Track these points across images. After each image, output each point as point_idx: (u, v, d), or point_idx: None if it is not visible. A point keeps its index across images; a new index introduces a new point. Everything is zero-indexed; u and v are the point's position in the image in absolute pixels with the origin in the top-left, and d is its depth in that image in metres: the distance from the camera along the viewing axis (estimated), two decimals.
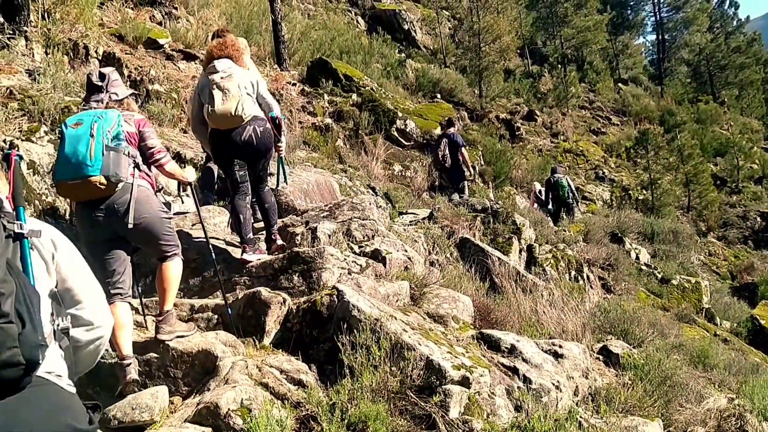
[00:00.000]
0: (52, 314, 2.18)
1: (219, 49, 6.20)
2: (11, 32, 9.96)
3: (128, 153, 4.50)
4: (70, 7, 11.45)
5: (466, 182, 14.57)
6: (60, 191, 4.59)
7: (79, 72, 10.59)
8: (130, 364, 4.29)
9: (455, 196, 13.69)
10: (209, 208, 7.60)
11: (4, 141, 6.85)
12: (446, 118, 16.12)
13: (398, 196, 13.48)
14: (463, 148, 14.42)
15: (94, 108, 4.75)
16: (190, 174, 5.35)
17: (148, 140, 4.77)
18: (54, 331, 2.17)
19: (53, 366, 2.10)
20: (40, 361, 1.94)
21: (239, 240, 6.30)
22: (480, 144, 20.58)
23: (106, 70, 5.11)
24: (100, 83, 4.92)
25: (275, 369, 4.53)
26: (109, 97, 4.88)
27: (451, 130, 14.92)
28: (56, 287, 2.30)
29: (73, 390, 2.17)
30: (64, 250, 2.39)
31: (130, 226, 4.45)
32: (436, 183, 16.73)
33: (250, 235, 6.19)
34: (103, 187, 4.33)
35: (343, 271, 5.85)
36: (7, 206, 2.25)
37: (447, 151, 14.15)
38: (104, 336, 2.49)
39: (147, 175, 4.78)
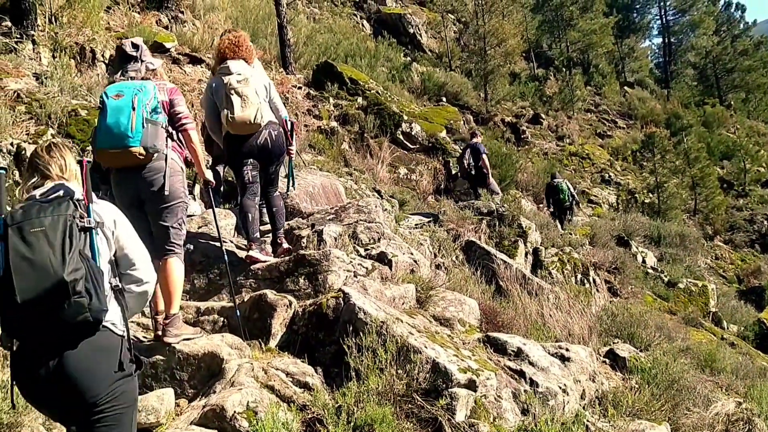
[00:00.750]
0: (109, 278, 3.00)
1: (231, 50, 6.22)
2: (19, 36, 10.00)
3: (164, 125, 4.70)
4: (77, 11, 11.49)
5: (491, 185, 14.95)
6: (99, 157, 4.70)
7: (86, 75, 10.63)
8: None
9: (496, 197, 14.08)
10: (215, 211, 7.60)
11: (12, 144, 6.86)
12: (470, 131, 17.11)
13: (404, 199, 13.47)
14: (484, 155, 14.97)
15: (132, 77, 4.94)
16: (209, 173, 5.44)
17: (176, 106, 4.92)
18: (111, 289, 3.00)
19: (111, 317, 2.93)
20: (103, 320, 2.85)
21: (245, 240, 6.30)
22: (486, 147, 20.52)
23: (137, 40, 5.23)
24: (134, 53, 5.05)
25: (281, 372, 4.52)
26: (146, 67, 5.05)
27: (475, 140, 15.52)
28: (114, 255, 3.08)
29: (123, 334, 3.00)
30: (122, 226, 3.15)
31: (166, 192, 4.66)
32: (442, 186, 16.73)
33: (257, 234, 6.20)
34: (141, 157, 4.54)
35: (349, 274, 5.84)
36: (82, 206, 2.95)
37: (471, 160, 14.77)
38: (150, 289, 3.23)
39: (179, 147, 4.95)
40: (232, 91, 5.87)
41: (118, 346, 2.94)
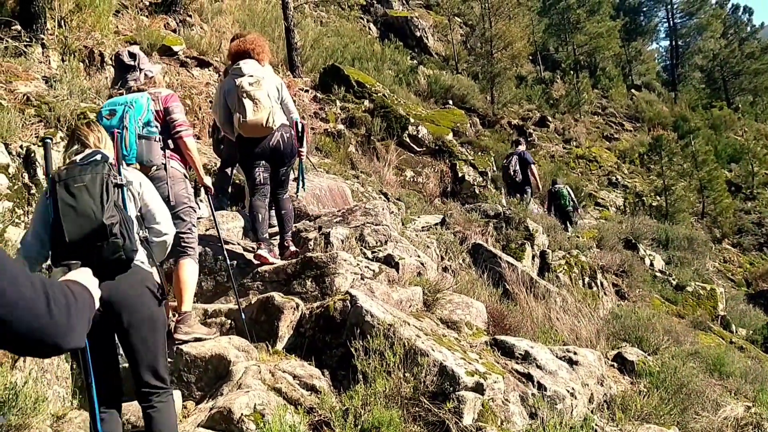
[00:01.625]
0: (137, 229, 3.61)
1: (243, 51, 6.27)
2: (28, 40, 10.03)
3: (157, 138, 4.77)
4: (86, 15, 11.52)
5: (531, 196, 15.41)
6: None
7: (95, 79, 10.66)
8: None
9: (530, 207, 14.51)
10: (223, 213, 7.61)
11: (21, 147, 6.88)
12: (514, 139, 17.69)
13: (410, 202, 13.46)
14: (533, 166, 15.48)
15: (131, 87, 5.01)
16: (207, 179, 5.50)
17: (172, 114, 5.00)
18: (138, 238, 3.58)
19: (140, 257, 3.54)
20: (134, 259, 3.45)
21: (254, 241, 6.31)
22: (492, 150, 20.51)
23: (134, 49, 5.32)
24: (132, 62, 5.11)
25: (288, 374, 4.52)
26: (144, 75, 5.11)
27: (520, 148, 15.90)
28: (140, 211, 3.75)
29: (152, 270, 3.64)
30: (146, 187, 3.87)
31: (172, 201, 4.76)
32: (448, 189, 16.71)
33: (266, 235, 6.21)
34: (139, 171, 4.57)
35: (356, 277, 5.84)
36: (114, 167, 3.63)
37: (518, 167, 15.16)
38: (168, 240, 3.86)
39: (176, 154, 5.01)
40: (244, 95, 5.88)
41: (148, 278, 3.56)
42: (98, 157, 3.61)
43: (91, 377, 3.05)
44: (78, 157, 3.64)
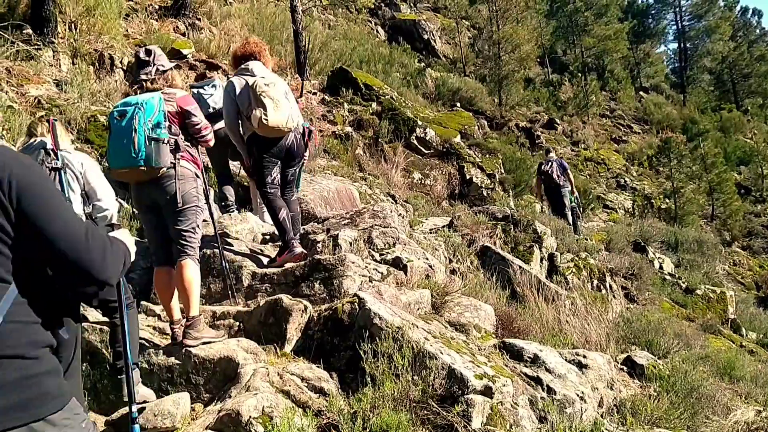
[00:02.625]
0: (82, 206, 4.14)
1: (248, 53, 6.35)
2: (39, 43, 10.08)
3: (167, 140, 4.75)
4: (96, 19, 11.58)
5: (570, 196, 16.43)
6: (113, 174, 4.99)
7: (105, 82, 10.70)
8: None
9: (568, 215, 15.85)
10: (232, 215, 7.61)
11: None
12: (545, 148, 19.23)
13: (418, 204, 13.45)
14: (569, 171, 16.73)
15: (143, 80, 5.07)
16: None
17: (192, 118, 5.02)
18: (84, 214, 4.14)
19: None
20: None
21: (282, 240, 6.28)
22: (500, 152, 20.48)
23: (152, 46, 5.38)
24: (148, 58, 5.17)
25: (296, 376, 4.51)
26: (156, 69, 5.14)
27: (552, 155, 17.18)
28: (84, 189, 4.28)
29: None
30: (89, 167, 4.44)
31: (179, 200, 4.81)
32: (456, 191, 16.70)
33: (292, 233, 6.20)
34: (149, 173, 4.73)
35: (364, 279, 5.82)
36: (51, 153, 4.22)
37: (559, 172, 16.21)
38: (109, 215, 4.43)
39: (190, 154, 5.03)
40: (264, 94, 5.87)
41: None
42: (35, 144, 4.21)
43: (127, 337, 3.48)
44: (17, 145, 4.20)
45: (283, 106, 5.93)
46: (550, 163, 16.38)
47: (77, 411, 2.03)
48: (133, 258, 2.30)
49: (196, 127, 5.02)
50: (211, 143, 5.25)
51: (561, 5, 41.17)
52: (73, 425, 1.97)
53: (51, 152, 4.22)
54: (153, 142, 4.64)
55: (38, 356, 1.92)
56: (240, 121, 6.16)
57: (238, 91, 6.10)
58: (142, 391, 4.29)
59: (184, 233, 4.80)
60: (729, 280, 19.58)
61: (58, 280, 2.01)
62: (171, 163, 4.76)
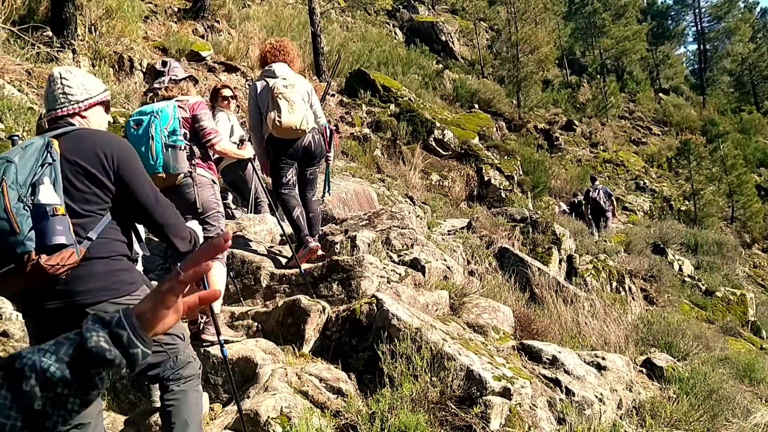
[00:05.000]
0: None
1: (273, 54, 6.36)
2: (59, 45, 10.17)
3: (183, 147, 4.80)
4: (116, 21, 11.66)
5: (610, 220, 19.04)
6: None
7: (124, 84, 10.77)
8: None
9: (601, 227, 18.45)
10: (250, 216, 7.64)
11: None
12: (591, 176, 21.58)
13: (436, 206, 13.45)
14: (614, 198, 19.63)
15: (156, 88, 5.13)
16: (248, 151, 5.91)
17: (201, 122, 5.06)
18: None
19: None
20: None
21: (297, 239, 6.28)
22: (518, 154, 20.45)
23: (169, 59, 5.46)
24: (163, 69, 5.23)
25: (315, 377, 4.51)
26: (170, 78, 5.21)
27: (599, 184, 19.71)
28: None
29: None
30: None
31: (199, 207, 4.87)
32: (474, 193, 16.68)
33: (307, 231, 6.22)
34: (167, 180, 4.73)
35: (382, 280, 5.82)
36: None
37: (606, 198, 18.79)
38: None
39: (205, 162, 5.09)
40: (280, 96, 5.91)
41: None
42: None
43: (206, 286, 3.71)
44: None
45: (299, 108, 5.94)
46: (597, 191, 18.86)
47: (146, 291, 2.94)
48: (201, 240, 3.35)
49: (204, 131, 5.05)
50: (218, 147, 5.19)
51: (579, 6, 41.04)
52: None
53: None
54: (170, 149, 4.68)
55: (118, 259, 2.97)
56: (262, 121, 6.19)
57: (259, 91, 6.14)
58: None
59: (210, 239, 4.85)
60: (749, 282, 19.40)
61: (142, 222, 3.20)
62: (188, 170, 4.80)
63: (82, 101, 3.20)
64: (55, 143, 2.87)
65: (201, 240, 3.18)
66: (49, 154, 2.81)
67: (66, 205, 2.78)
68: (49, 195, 2.72)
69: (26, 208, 2.67)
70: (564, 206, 20.22)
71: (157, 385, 4.13)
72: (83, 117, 3.19)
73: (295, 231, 6.30)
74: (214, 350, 4.64)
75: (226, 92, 7.70)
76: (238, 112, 7.80)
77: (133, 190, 3.01)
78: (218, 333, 4.02)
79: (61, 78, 3.16)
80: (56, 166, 2.80)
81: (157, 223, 3.12)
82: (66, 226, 2.73)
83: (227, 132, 7.07)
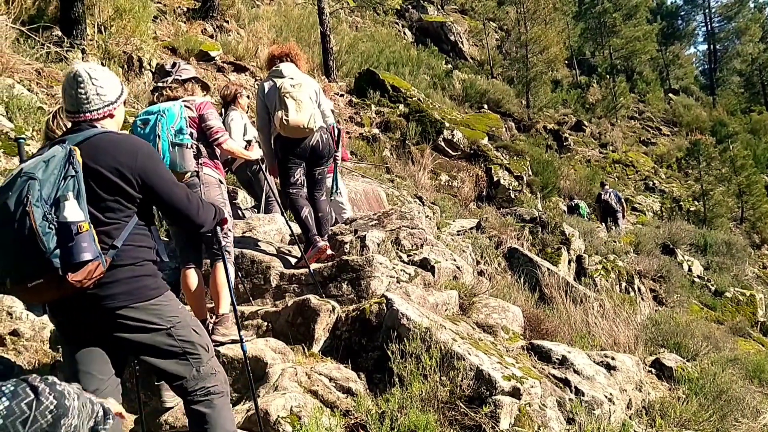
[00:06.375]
0: None
1: (281, 54, 6.42)
2: (69, 45, 10.20)
3: (190, 145, 4.82)
4: (126, 21, 11.69)
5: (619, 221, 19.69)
6: None
7: (134, 83, 10.80)
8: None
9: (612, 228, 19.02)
10: (259, 216, 7.65)
11: None
12: (601, 182, 21.88)
13: (445, 206, 13.45)
14: (624, 201, 20.76)
15: (161, 87, 5.19)
16: (255, 153, 5.87)
17: (207, 121, 5.10)
18: None
19: None
20: None
21: (306, 239, 6.28)
22: (527, 154, 20.42)
23: (179, 61, 5.49)
24: (171, 70, 5.25)
25: (324, 376, 4.52)
26: (175, 79, 5.27)
27: (608, 187, 20.46)
28: None
29: None
30: None
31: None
32: (484, 193, 16.67)
33: (315, 230, 6.23)
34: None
35: (392, 280, 5.82)
36: None
37: (615, 201, 19.65)
38: None
39: (212, 161, 5.13)
40: (287, 95, 5.94)
41: None
42: None
43: (231, 276, 4.08)
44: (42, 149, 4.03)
45: (306, 107, 5.96)
46: (608, 193, 19.83)
47: (171, 297, 3.15)
48: (227, 215, 3.70)
49: (211, 130, 5.09)
50: (226, 146, 5.23)
51: (589, 6, 40.91)
52: (168, 304, 3.09)
53: None
54: (176, 147, 4.68)
55: (142, 264, 3.04)
56: (270, 121, 6.21)
57: (267, 91, 6.16)
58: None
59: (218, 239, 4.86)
60: (759, 283, 19.30)
61: (175, 224, 3.75)
62: (194, 169, 4.82)
63: (115, 101, 3.19)
64: (77, 152, 2.88)
65: (227, 213, 3.36)
66: (71, 166, 2.83)
67: (90, 214, 2.82)
68: (74, 212, 2.75)
69: (51, 226, 2.71)
70: (562, 207, 20.29)
71: (165, 385, 4.16)
72: (112, 117, 3.21)
73: (303, 231, 6.31)
74: (224, 350, 4.65)
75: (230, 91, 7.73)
76: (247, 112, 7.78)
77: (163, 197, 3.12)
78: (239, 329, 4.02)
79: (90, 78, 3.10)
80: (79, 178, 2.82)
81: (196, 224, 3.34)
82: (90, 240, 2.78)
83: (241, 130, 7.09)
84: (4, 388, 1.46)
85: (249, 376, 3.80)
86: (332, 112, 6.87)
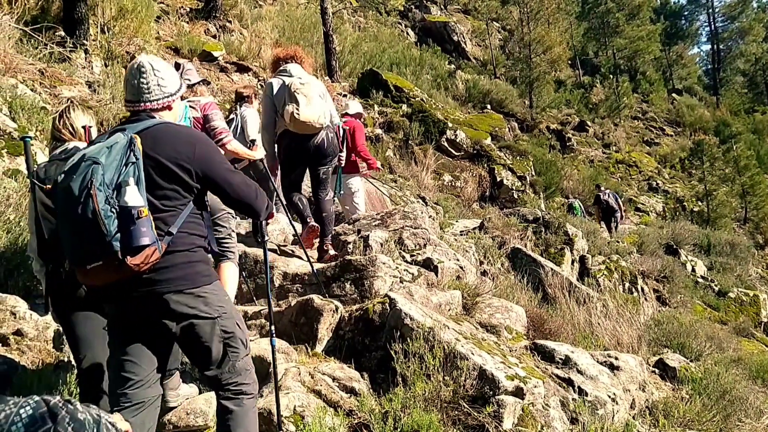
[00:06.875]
0: None
1: (287, 56, 6.49)
2: (72, 46, 10.20)
3: None
4: (128, 21, 11.70)
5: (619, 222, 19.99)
6: None
7: None
8: None
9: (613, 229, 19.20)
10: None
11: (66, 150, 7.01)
12: (597, 185, 21.87)
13: (448, 206, 13.44)
14: (621, 201, 20.81)
15: None
16: (259, 153, 5.87)
17: (212, 122, 5.13)
18: None
19: None
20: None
21: (302, 224, 6.35)
22: (531, 154, 20.41)
23: (182, 61, 5.46)
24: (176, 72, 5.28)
25: (328, 376, 4.52)
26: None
27: (606, 189, 20.69)
28: None
29: None
30: None
31: (210, 210, 4.84)
32: (487, 193, 16.66)
33: (311, 220, 6.30)
34: None
35: (395, 280, 5.82)
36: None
37: (614, 202, 19.76)
38: None
39: None
40: (298, 91, 5.99)
41: None
42: (71, 150, 3.83)
43: (267, 263, 4.02)
44: (57, 152, 3.92)
45: (316, 104, 6.02)
46: (606, 194, 20.05)
47: (220, 287, 3.22)
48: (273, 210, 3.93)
49: (216, 131, 5.10)
50: (229, 146, 5.23)
51: (592, 6, 40.87)
52: (217, 294, 3.13)
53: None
54: None
55: (195, 251, 3.10)
56: (276, 120, 6.26)
57: (275, 90, 6.21)
58: (184, 390, 4.31)
59: (222, 240, 4.87)
60: (762, 283, 19.29)
61: (235, 210, 3.98)
62: None
63: (174, 93, 3.28)
64: (138, 140, 2.95)
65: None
66: (132, 153, 2.89)
67: (148, 201, 2.89)
68: (135, 197, 2.83)
69: (113, 210, 2.79)
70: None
71: (170, 384, 4.16)
72: (170, 109, 3.29)
73: (297, 214, 6.39)
74: None
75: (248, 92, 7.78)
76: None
77: (223, 185, 3.19)
78: (271, 323, 4.00)
79: (153, 69, 3.18)
80: (139, 165, 2.89)
81: (255, 210, 3.35)
82: (149, 226, 2.86)
83: (256, 126, 7.12)
84: (22, 411, 1.40)
85: (275, 372, 3.79)
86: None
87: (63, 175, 2.92)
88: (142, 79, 3.15)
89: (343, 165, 7.22)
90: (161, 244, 2.92)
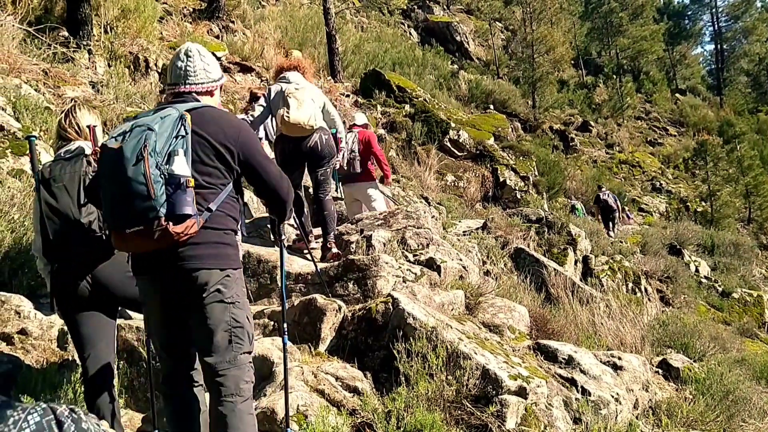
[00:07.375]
0: None
1: (288, 66, 6.71)
2: (75, 46, 10.22)
3: None
4: (132, 22, 11.72)
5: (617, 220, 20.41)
6: None
7: (140, 84, 10.82)
8: None
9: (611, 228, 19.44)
10: (265, 215, 7.67)
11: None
12: (598, 185, 22.31)
13: (451, 206, 13.44)
14: (619, 202, 21.43)
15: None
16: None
17: None
18: None
19: None
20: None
21: (305, 236, 6.39)
22: (533, 155, 20.41)
23: None
24: None
25: (331, 376, 4.52)
26: None
27: (605, 189, 21.13)
28: None
29: None
30: None
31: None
32: (489, 193, 16.66)
33: (311, 228, 6.50)
34: None
35: (398, 279, 5.81)
36: (92, 160, 3.89)
37: (612, 202, 20.23)
38: None
39: None
40: (290, 95, 6.21)
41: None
42: (75, 150, 3.93)
43: (284, 262, 4.00)
44: (62, 151, 3.97)
45: (307, 107, 6.21)
46: (606, 194, 20.53)
47: (241, 276, 3.27)
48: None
49: None
50: None
51: (596, 6, 40.84)
52: (237, 282, 3.20)
53: (93, 161, 3.95)
54: None
55: (228, 233, 3.19)
56: (272, 124, 6.48)
57: (273, 95, 6.45)
58: None
59: None
60: (766, 284, 19.27)
61: (263, 197, 3.91)
62: None
63: (218, 80, 3.40)
64: (188, 117, 3.04)
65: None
66: (183, 127, 3.00)
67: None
68: (183, 167, 2.93)
69: (162, 176, 2.89)
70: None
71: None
72: (212, 95, 3.40)
73: (302, 227, 6.53)
74: None
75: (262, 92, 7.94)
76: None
77: (260, 172, 3.29)
78: (284, 320, 3.96)
79: (200, 54, 3.32)
80: (188, 140, 3.00)
81: (281, 199, 3.42)
82: (193, 197, 2.96)
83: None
84: (30, 418, 1.41)
85: (285, 369, 3.80)
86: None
87: (113, 139, 3.01)
88: (189, 62, 3.28)
89: (337, 168, 7.32)
90: (200, 219, 3.01)
